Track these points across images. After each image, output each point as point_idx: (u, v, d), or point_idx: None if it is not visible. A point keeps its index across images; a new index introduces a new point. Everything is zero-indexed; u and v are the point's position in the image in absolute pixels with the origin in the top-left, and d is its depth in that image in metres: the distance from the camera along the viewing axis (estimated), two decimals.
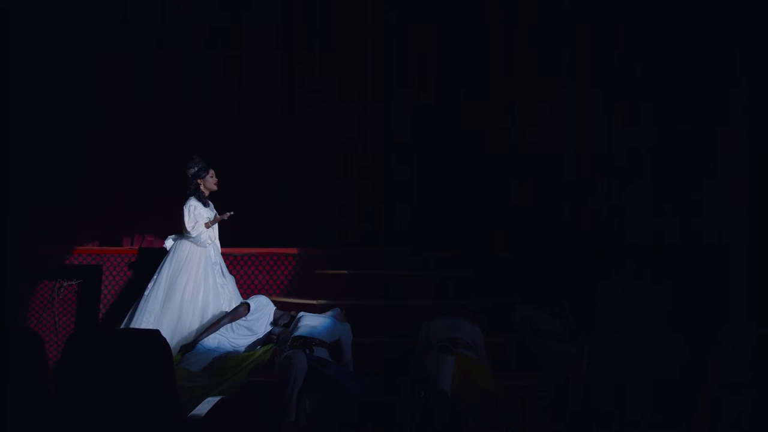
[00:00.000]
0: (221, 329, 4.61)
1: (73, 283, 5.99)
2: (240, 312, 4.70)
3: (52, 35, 6.45)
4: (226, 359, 4.35)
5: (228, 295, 5.08)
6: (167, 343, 2.59)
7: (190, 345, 4.50)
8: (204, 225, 5.09)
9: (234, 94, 6.91)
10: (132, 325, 4.77)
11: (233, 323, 4.66)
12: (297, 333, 4.39)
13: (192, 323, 4.87)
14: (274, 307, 4.86)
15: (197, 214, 5.08)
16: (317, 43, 6.89)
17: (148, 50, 6.79)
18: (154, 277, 5.05)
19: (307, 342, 4.27)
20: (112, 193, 6.63)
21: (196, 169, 5.22)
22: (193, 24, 6.83)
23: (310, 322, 4.48)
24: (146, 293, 4.97)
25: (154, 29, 6.78)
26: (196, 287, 4.96)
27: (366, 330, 4.88)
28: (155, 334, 2.58)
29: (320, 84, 6.89)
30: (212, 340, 4.54)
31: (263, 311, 4.76)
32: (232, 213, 5.17)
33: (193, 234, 5.05)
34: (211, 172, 5.27)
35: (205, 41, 6.83)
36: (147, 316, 4.81)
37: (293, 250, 6.04)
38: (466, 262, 5.91)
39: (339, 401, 3.87)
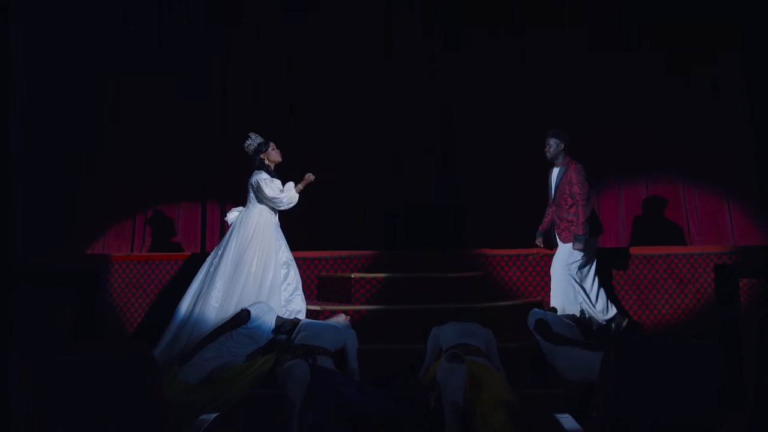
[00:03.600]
0: (221, 338, 4.40)
1: (71, 290, 5.86)
2: (240, 319, 4.49)
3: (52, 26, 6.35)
4: (226, 369, 4.14)
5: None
6: (155, 360, 2.38)
7: (188, 355, 4.29)
8: (294, 188, 5.02)
9: (238, 88, 6.76)
10: (199, 300, 4.70)
11: (233, 331, 4.44)
12: (299, 341, 4.21)
13: (267, 299, 4.81)
14: (276, 314, 4.65)
15: (276, 183, 5.01)
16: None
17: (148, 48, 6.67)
18: (218, 251, 4.93)
19: (310, 351, 4.09)
20: (112, 197, 6.54)
21: (255, 144, 5.12)
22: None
23: (313, 330, 4.30)
24: (211, 269, 4.85)
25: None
26: (263, 262, 4.88)
27: (372, 336, 4.70)
28: (142, 350, 2.38)
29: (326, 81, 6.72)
30: (211, 350, 4.31)
31: (264, 318, 4.55)
32: (313, 176, 5.07)
33: (284, 198, 4.96)
34: (272, 144, 5.15)
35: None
36: (215, 293, 4.72)
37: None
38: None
39: (344, 413, 3.68)
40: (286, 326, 4.57)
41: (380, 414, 3.72)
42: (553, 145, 5.10)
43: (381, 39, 6.78)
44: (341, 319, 4.59)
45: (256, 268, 4.85)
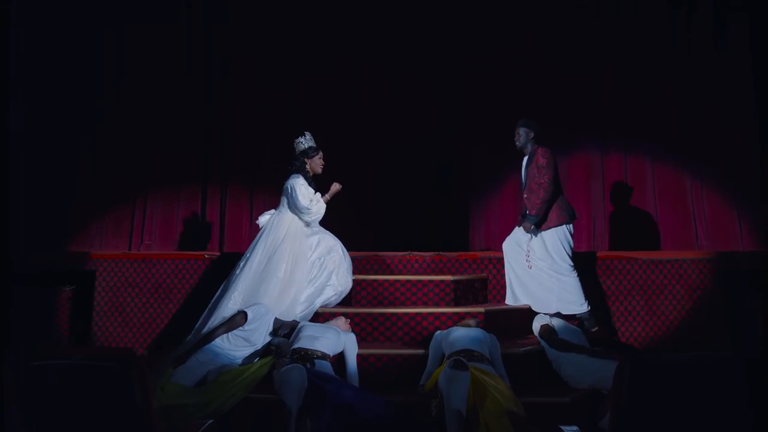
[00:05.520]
0: (217, 340, 4.27)
1: (66, 289, 5.77)
2: (237, 321, 4.36)
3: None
4: (222, 373, 4.01)
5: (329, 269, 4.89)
6: (143, 366, 2.25)
7: (183, 357, 4.17)
8: (323, 199, 4.94)
9: (235, 90, 6.66)
10: (220, 307, 4.60)
11: (229, 333, 4.31)
12: (297, 345, 4.09)
13: (290, 303, 4.70)
14: (274, 316, 4.52)
15: (310, 192, 4.93)
16: None
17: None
18: (247, 255, 4.86)
19: (308, 355, 3.98)
20: (109, 195, 6.45)
21: (306, 146, 5.04)
22: None
23: (312, 333, 4.17)
24: (236, 271, 4.80)
25: None
26: (290, 268, 4.77)
27: (373, 340, 4.60)
28: (129, 355, 2.25)
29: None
30: (207, 353, 4.19)
31: (262, 320, 4.41)
32: (339, 186, 5.00)
33: (313, 209, 4.88)
34: (321, 153, 5.06)
35: None
36: (235, 295, 4.64)
37: None
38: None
39: (342, 420, 3.55)
40: (284, 329, 4.45)
41: (379, 421, 3.60)
42: (522, 134, 5.11)
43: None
44: (341, 322, 4.46)
45: (284, 274, 4.74)
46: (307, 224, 4.95)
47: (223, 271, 5.69)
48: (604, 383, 3.80)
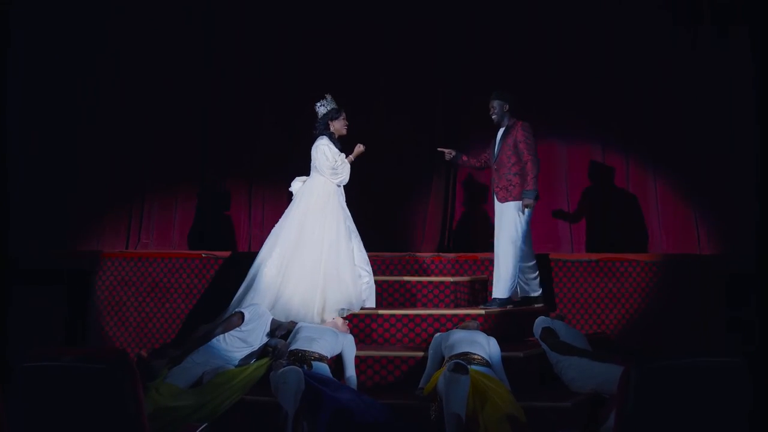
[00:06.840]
0: (213, 341, 4.21)
1: (63, 288, 5.73)
2: (233, 322, 4.30)
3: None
4: (218, 374, 3.95)
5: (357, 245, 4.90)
6: (134, 369, 2.20)
7: (178, 358, 4.11)
8: (347, 160, 4.93)
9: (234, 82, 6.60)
10: (259, 275, 4.69)
11: (226, 334, 4.24)
12: (294, 346, 4.04)
13: (330, 267, 4.70)
14: (271, 317, 4.47)
15: (334, 152, 4.90)
16: None
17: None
18: (283, 222, 4.88)
19: (306, 356, 3.92)
20: (107, 194, 6.40)
21: (328, 109, 5.00)
22: None
23: (309, 334, 4.13)
24: (272, 238, 4.83)
25: None
26: (332, 230, 4.78)
27: (371, 342, 4.56)
28: (120, 357, 2.20)
29: None
30: (203, 353, 4.12)
31: (259, 321, 4.35)
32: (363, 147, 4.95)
33: (338, 169, 4.88)
34: (344, 114, 5.02)
35: None
36: (271, 261, 4.69)
37: None
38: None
39: (340, 423, 3.50)
40: (281, 330, 4.39)
41: (377, 425, 3.55)
42: (497, 106, 4.98)
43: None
44: (339, 323, 4.42)
45: (318, 235, 4.75)
46: (338, 186, 4.96)
47: (221, 269, 5.66)
48: (607, 388, 3.74)
